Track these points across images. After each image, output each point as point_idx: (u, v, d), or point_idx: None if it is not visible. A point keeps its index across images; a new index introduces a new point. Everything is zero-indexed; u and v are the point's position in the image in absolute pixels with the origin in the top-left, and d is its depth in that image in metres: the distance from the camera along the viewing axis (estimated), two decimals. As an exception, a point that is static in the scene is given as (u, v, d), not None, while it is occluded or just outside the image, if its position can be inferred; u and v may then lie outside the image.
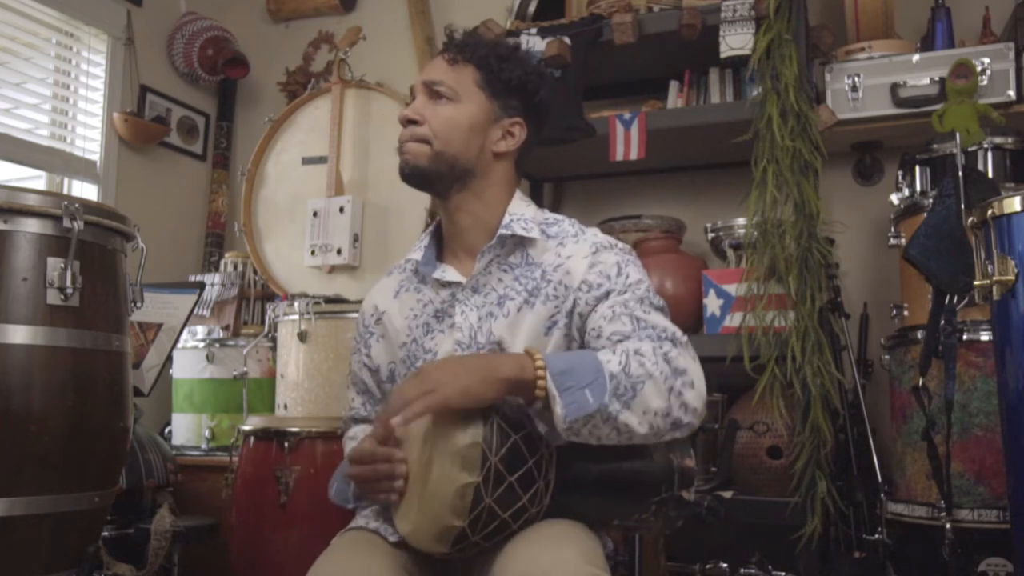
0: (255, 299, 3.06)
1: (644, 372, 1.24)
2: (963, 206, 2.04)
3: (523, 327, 1.41)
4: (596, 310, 1.38)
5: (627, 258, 1.44)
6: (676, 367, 1.27)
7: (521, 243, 1.47)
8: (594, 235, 1.47)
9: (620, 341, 1.31)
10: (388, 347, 1.54)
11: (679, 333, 1.35)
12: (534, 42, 2.62)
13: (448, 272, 1.48)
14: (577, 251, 1.43)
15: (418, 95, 1.49)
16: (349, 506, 1.52)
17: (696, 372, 1.30)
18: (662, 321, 1.36)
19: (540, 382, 1.21)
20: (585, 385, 1.21)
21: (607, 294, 1.38)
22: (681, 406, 1.26)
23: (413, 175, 1.46)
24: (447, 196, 1.48)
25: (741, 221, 2.50)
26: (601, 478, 1.31)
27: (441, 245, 1.55)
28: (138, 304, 1.93)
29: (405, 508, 1.30)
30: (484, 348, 1.41)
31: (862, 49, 2.55)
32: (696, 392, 1.28)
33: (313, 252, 2.86)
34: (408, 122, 1.46)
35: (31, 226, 1.69)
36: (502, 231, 1.44)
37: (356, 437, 1.57)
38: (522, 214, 1.47)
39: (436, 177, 1.46)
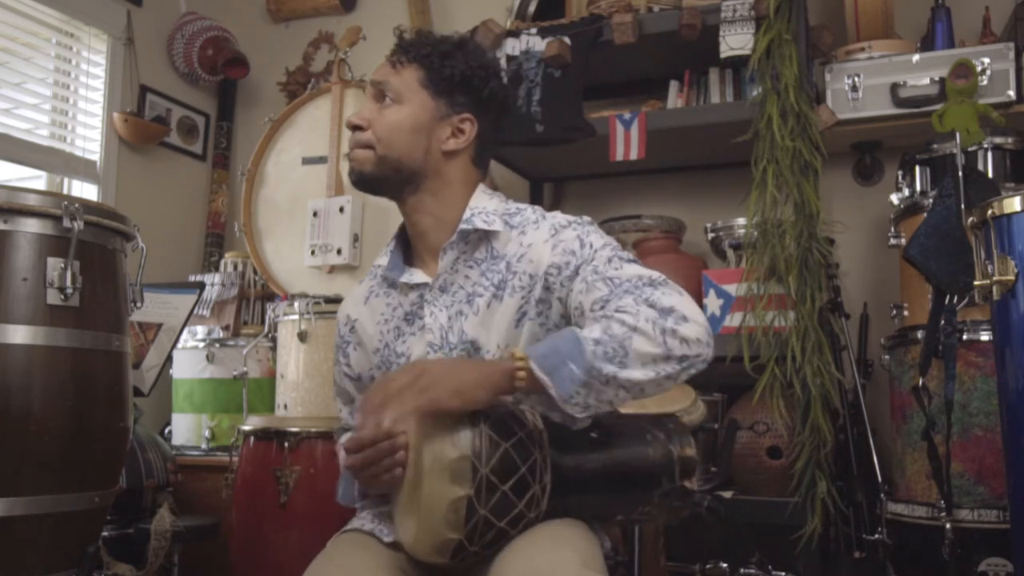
0: (255, 299, 3.06)
1: (628, 327, 1.23)
2: (963, 206, 2.04)
3: (495, 322, 1.39)
4: (572, 289, 1.36)
5: (586, 228, 1.41)
6: (662, 307, 1.25)
7: (485, 237, 1.44)
8: (553, 217, 1.44)
9: (602, 307, 1.29)
10: (365, 354, 1.53)
11: (656, 275, 1.31)
12: (534, 42, 2.62)
13: (416, 275, 1.46)
14: (537, 237, 1.40)
15: (367, 99, 1.48)
16: (356, 505, 1.51)
17: (685, 305, 1.26)
18: (636, 270, 1.32)
19: (520, 373, 1.22)
20: (567, 357, 1.22)
21: (577, 270, 1.36)
22: (681, 342, 1.23)
23: (360, 181, 1.46)
24: (401, 199, 1.47)
25: (741, 221, 2.50)
26: (601, 474, 1.30)
27: (409, 249, 1.53)
28: (138, 304, 1.93)
29: (402, 517, 1.29)
30: (456, 348, 1.39)
31: (862, 49, 2.55)
32: (692, 323, 1.25)
33: (313, 252, 2.86)
34: (353, 128, 1.46)
35: (31, 226, 1.70)
36: (463, 226, 1.42)
37: None
38: (484, 207, 1.45)
39: (383, 181, 1.45)
